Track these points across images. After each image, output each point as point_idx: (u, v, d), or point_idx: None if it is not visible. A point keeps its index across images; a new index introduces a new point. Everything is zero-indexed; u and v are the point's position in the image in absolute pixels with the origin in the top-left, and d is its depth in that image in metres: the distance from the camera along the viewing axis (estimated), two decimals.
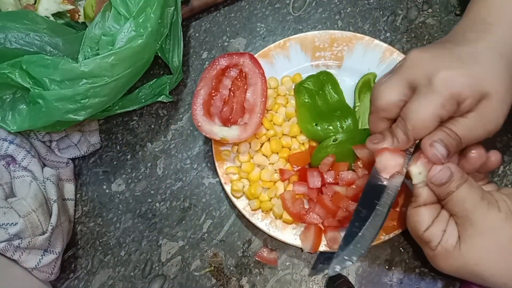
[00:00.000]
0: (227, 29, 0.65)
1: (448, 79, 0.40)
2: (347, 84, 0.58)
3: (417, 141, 0.43)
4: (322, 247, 0.52)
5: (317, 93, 0.56)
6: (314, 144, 0.56)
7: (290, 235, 0.53)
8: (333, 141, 0.53)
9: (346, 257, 0.44)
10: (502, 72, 0.41)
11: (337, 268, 0.44)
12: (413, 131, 0.41)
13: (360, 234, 0.44)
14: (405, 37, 0.62)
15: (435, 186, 0.42)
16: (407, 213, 0.44)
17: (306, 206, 0.53)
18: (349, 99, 0.57)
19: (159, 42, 0.53)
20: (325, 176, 0.52)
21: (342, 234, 0.51)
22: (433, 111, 0.40)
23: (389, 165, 0.44)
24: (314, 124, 0.55)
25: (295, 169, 0.55)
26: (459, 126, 0.41)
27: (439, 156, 0.41)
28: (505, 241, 0.40)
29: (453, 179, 0.41)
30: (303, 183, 0.53)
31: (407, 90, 0.42)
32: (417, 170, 0.43)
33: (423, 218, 0.43)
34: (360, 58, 0.59)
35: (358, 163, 0.52)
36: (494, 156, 0.44)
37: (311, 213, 0.52)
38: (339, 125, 0.55)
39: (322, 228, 0.52)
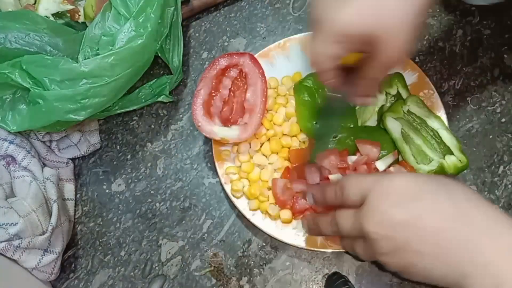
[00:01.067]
0: (227, 29, 0.65)
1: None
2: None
3: None
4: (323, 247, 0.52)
5: (316, 91, 0.56)
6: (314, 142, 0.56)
7: (290, 235, 0.53)
8: (333, 137, 0.53)
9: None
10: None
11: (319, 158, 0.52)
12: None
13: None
14: None
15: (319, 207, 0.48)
16: None
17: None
18: None
19: (159, 42, 0.53)
20: (323, 165, 0.53)
21: None
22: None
23: None
24: (314, 122, 0.55)
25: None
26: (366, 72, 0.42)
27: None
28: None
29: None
30: (302, 180, 0.53)
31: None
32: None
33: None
34: None
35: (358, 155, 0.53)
36: None
37: (299, 200, 0.52)
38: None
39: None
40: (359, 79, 0.44)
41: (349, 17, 0.38)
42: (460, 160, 0.51)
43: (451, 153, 0.51)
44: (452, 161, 0.51)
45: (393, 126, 0.53)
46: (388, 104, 0.56)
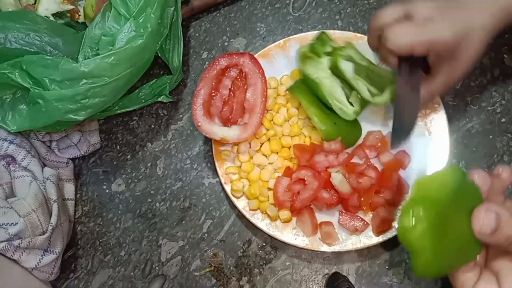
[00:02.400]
0: (227, 29, 0.65)
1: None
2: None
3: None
4: (323, 247, 0.52)
5: (315, 83, 0.55)
6: (316, 142, 0.56)
7: (290, 235, 0.53)
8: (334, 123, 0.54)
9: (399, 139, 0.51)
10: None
11: (397, 144, 0.52)
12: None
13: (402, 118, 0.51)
14: None
15: (487, 237, 0.35)
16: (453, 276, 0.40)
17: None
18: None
19: (159, 42, 0.53)
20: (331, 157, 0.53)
21: (337, 228, 0.53)
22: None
23: None
24: (333, 123, 0.54)
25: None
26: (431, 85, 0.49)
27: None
28: None
29: (502, 220, 0.34)
30: (308, 168, 0.53)
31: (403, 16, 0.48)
32: None
33: (464, 282, 0.38)
34: None
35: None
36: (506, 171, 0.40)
37: (298, 197, 0.52)
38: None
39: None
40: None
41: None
42: None
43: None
44: None
45: (346, 67, 0.53)
46: None
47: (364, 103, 0.54)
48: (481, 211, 0.35)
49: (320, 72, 0.55)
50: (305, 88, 0.56)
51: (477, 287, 0.37)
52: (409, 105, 0.50)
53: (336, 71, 0.54)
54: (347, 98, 0.54)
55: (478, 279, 0.38)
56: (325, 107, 0.55)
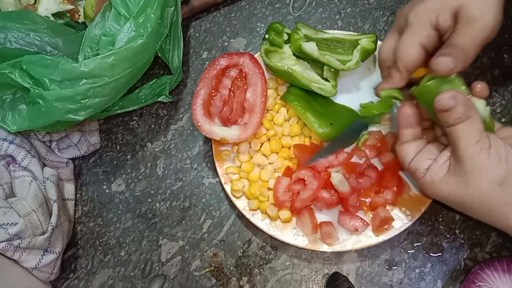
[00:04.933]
0: (227, 29, 0.65)
1: (417, 12, 0.47)
2: (347, 81, 0.58)
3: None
4: (323, 247, 0.52)
5: (303, 96, 0.56)
6: (316, 142, 0.56)
7: (290, 235, 0.53)
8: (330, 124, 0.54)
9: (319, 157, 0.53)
10: None
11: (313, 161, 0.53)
12: (401, 63, 0.48)
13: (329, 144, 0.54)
14: None
15: (438, 112, 0.43)
16: (396, 152, 0.50)
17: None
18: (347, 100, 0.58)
19: (159, 42, 0.53)
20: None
21: (337, 228, 0.53)
22: (412, 40, 0.47)
23: None
24: (329, 124, 0.54)
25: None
26: (454, 39, 0.46)
27: (443, 66, 0.44)
28: (487, 185, 0.42)
29: (455, 110, 0.42)
30: (308, 168, 0.53)
31: (398, 39, 0.49)
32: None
33: (407, 151, 0.48)
34: None
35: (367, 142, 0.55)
36: (480, 85, 0.46)
37: (298, 197, 0.52)
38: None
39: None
40: (446, 48, 0.46)
41: None
42: (369, 38, 0.54)
43: (359, 39, 0.55)
44: (365, 41, 0.54)
45: (310, 47, 0.53)
46: None
47: (336, 73, 0.56)
48: (449, 92, 0.43)
49: (287, 61, 0.56)
50: (297, 93, 0.56)
51: (418, 156, 0.47)
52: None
53: (301, 55, 0.55)
54: (321, 76, 0.55)
55: (420, 150, 0.47)
56: (319, 108, 0.55)
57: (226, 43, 0.64)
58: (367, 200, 0.53)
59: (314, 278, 0.54)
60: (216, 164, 0.55)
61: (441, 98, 0.43)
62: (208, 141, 0.60)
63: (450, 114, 0.42)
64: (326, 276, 0.54)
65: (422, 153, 0.47)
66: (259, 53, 0.58)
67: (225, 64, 0.55)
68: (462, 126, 0.42)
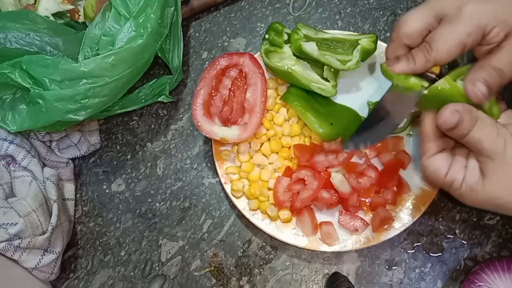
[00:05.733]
0: (227, 29, 0.65)
1: (476, 10, 0.43)
2: (347, 82, 0.58)
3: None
4: (323, 247, 0.52)
5: (303, 97, 0.56)
6: (316, 142, 0.56)
7: (290, 235, 0.53)
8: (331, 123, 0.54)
9: (357, 142, 0.51)
10: None
11: (350, 147, 0.51)
12: (436, 55, 0.44)
13: (373, 129, 0.51)
14: None
15: (447, 131, 0.42)
16: (423, 167, 0.45)
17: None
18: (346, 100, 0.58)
19: (159, 42, 0.53)
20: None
21: (337, 228, 0.53)
22: (459, 38, 0.43)
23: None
24: (330, 123, 0.54)
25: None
26: (497, 59, 0.43)
27: (479, 95, 0.42)
28: None
29: (462, 122, 0.41)
30: (308, 168, 0.53)
31: (433, 20, 0.45)
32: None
33: (439, 165, 0.44)
34: None
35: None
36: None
37: (298, 197, 0.52)
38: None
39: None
40: (483, 69, 0.44)
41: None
42: (369, 38, 0.54)
43: (359, 39, 0.54)
44: (365, 41, 0.54)
45: (310, 48, 0.53)
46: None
47: (336, 73, 0.56)
48: (448, 109, 0.41)
49: (287, 61, 0.56)
50: (297, 93, 0.56)
51: (452, 167, 0.44)
52: (391, 115, 0.50)
53: (301, 55, 0.55)
54: (321, 76, 0.55)
55: (452, 160, 0.44)
56: (319, 108, 0.55)
57: (226, 43, 0.64)
58: (367, 200, 0.54)
59: (314, 278, 0.54)
60: (216, 164, 0.55)
61: (443, 118, 0.41)
62: (208, 141, 0.60)
63: (460, 128, 0.41)
64: (326, 276, 0.54)
65: (455, 163, 0.44)
66: (259, 53, 0.58)
67: (225, 64, 0.55)
68: (476, 130, 0.41)
